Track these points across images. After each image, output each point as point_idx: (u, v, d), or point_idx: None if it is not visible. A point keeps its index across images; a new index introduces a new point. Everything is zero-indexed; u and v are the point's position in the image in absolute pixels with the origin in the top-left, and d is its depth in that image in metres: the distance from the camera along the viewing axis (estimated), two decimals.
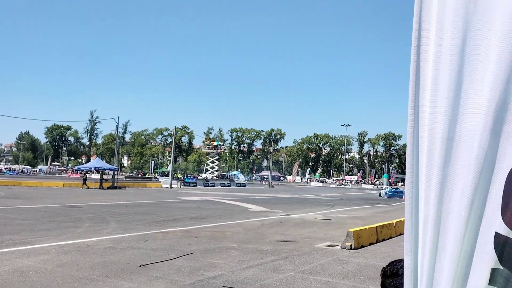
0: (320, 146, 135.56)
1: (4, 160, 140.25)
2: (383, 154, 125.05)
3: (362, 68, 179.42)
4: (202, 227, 14.30)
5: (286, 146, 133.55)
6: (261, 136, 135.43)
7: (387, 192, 43.61)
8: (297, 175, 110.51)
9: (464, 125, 1.08)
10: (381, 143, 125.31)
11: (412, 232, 1.16)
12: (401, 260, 1.50)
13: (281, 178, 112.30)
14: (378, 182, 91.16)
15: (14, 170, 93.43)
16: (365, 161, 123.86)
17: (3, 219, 14.54)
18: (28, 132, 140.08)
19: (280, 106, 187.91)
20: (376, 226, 12.70)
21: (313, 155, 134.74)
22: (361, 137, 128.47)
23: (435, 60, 1.16)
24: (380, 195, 45.03)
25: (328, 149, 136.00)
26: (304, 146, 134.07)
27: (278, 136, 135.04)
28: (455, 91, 1.11)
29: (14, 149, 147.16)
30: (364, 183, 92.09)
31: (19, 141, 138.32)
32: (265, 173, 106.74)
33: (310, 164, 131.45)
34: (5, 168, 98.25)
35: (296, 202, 31.00)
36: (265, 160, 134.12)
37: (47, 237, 11.19)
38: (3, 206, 19.43)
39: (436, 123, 1.13)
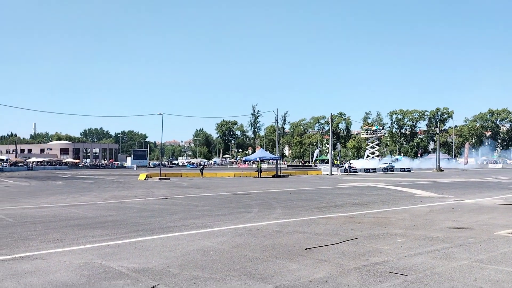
0: (497, 123, 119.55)
1: (185, 155, 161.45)
2: None
3: None
4: (365, 213, 14.08)
5: (456, 126, 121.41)
6: (425, 117, 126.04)
7: None
8: (470, 157, 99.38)
9: None
10: None
11: None
12: None
13: (452, 160, 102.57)
14: None
15: (193, 163, 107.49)
16: None
17: (188, 206, 16.74)
18: (202, 129, 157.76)
19: (445, 82, 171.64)
20: None
21: (488, 133, 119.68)
22: None
23: None
24: None
25: (508, 125, 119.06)
26: (477, 124, 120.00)
27: (446, 115, 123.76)
28: None
29: (192, 144, 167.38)
30: None
31: (195, 138, 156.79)
32: (432, 156, 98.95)
33: (486, 144, 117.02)
34: (186, 162, 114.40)
35: (470, 186, 28.05)
36: (431, 142, 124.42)
37: (223, 221, 12.45)
38: (187, 195, 22.35)
39: None
